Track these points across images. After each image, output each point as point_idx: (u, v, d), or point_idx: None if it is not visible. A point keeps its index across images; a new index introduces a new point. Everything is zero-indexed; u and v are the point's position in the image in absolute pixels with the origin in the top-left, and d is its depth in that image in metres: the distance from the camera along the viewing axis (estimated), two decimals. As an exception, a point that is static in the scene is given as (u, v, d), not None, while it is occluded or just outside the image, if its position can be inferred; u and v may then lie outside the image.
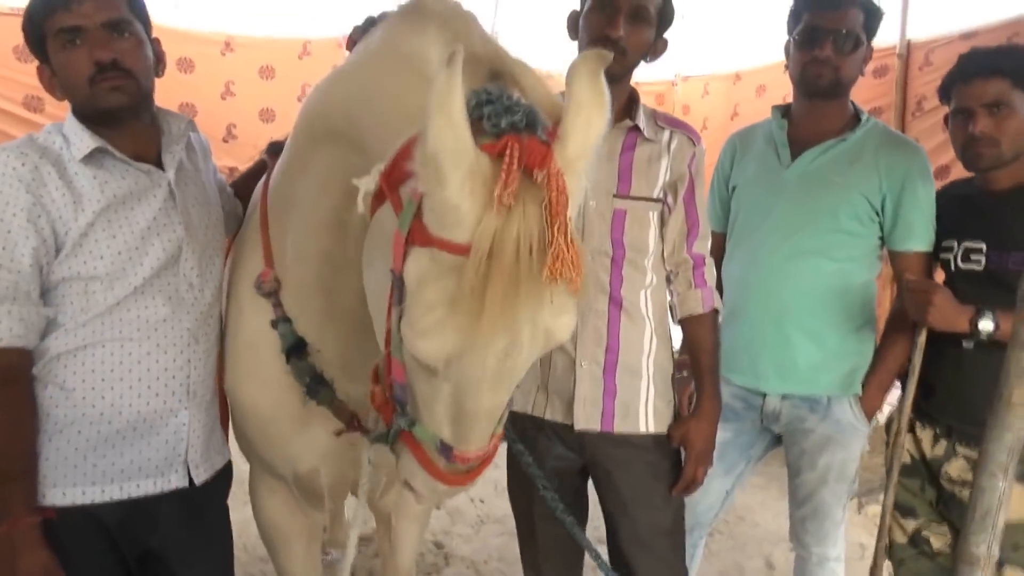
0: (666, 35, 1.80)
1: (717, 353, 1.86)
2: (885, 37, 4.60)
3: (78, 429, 1.46)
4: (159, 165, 1.55)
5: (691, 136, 1.81)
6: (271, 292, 1.54)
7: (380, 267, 1.10)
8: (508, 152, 0.93)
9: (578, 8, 1.79)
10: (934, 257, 2.04)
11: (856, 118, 2.11)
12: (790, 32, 2.10)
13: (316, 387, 1.53)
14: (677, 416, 1.89)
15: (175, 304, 1.52)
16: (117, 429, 1.47)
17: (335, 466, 1.66)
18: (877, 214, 2.05)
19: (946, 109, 2.00)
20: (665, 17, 1.75)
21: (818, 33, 2.00)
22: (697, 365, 1.86)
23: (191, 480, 1.56)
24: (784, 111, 2.20)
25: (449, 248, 0.96)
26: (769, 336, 2.06)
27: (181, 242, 1.53)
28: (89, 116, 1.49)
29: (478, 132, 0.95)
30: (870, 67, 2.14)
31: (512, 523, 3.50)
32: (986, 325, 1.77)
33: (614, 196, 1.74)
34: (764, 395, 2.13)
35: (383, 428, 1.22)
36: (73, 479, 1.46)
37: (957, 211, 2.01)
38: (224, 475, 1.70)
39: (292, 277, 1.51)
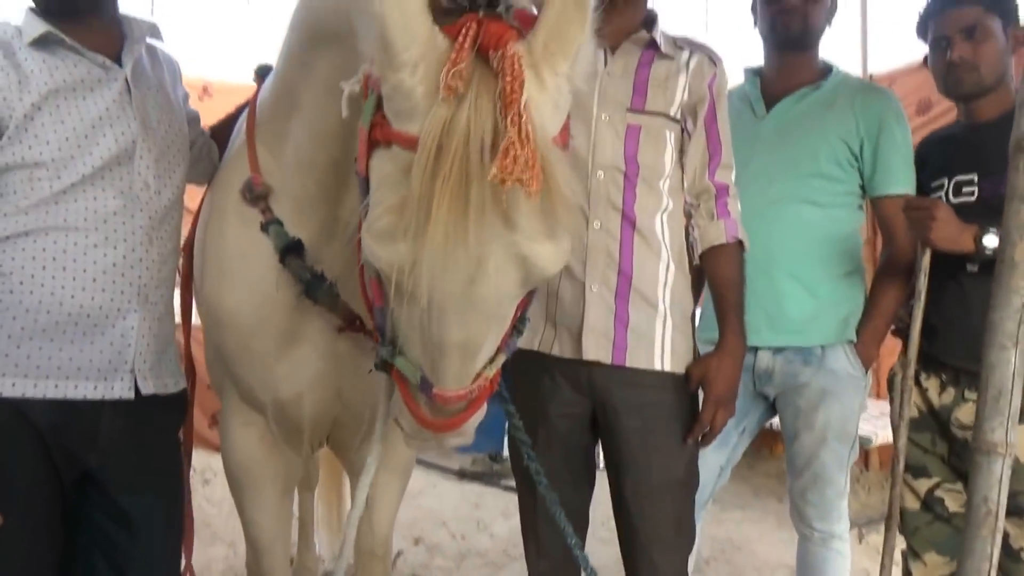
0: None
1: (742, 287, 1.69)
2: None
3: (13, 315, 1.33)
4: (119, 63, 1.49)
5: (712, 56, 1.70)
6: (261, 196, 1.45)
7: None
8: (463, 30, 0.87)
9: None
10: None
11: (828, 69, 2.11)
12: (755, -13, 2.13)
13: (316, 284, 1.40)
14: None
15: (128, 199, 1.42)
16: (56, 321, 1.35)
17: (319, 393, 1.53)
18: (856, 159, 2.00)
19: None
20: None
21: None
22: (720, 299, 1.69)
23: (138, 393, 1.42)
24: (756, 71, 2.20)
25: (403, 141, 0.89)
26: (759, 286, 1.94)
27: (136, 138, 1.45)
28: (48, 9, 1.44)
29: (437, 12, 0.88)
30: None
31: (495, 555, 3.33)
32: (991, 240, 1.67)
33: (628, 111, 1.64)
34: (756, 351, 2.01)
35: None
36: (2, 368, 1.32)
37: (944, 151, 1.97)
38: (177, 406, 1.57)
39: (292, 186, 1.42)
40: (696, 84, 1.67)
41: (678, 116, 1.67)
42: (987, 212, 1.79)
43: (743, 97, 2.17)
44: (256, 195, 1.45)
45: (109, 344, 1.40)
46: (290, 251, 1.40)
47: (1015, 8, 1.87)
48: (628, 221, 1.64)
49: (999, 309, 1.29)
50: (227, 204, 1.51)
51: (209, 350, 1.60)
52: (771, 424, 3.34)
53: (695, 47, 1.71)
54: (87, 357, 1.38)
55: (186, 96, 1.72)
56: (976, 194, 1.85)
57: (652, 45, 1.68)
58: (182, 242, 1.63)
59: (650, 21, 1.72)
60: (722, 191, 1.70)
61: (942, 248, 1.74)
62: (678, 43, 1.71)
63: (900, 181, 1.98)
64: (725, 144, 1.71)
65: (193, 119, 1.73)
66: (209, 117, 2.00)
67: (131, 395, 1.42)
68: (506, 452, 3.37)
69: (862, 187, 2.04)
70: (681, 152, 1.70)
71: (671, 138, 1.67)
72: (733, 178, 1.74)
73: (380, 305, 1.06)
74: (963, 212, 1.83)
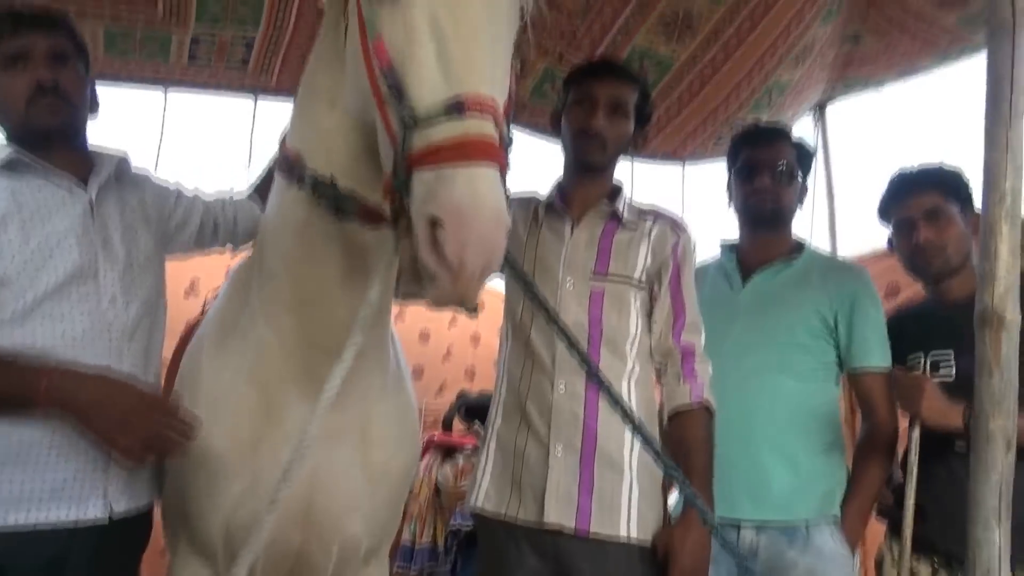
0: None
1: (710, 453, 1.66)
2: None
3: None
4: (85, 185, 1.54)
5: (675, 225, 1.81)
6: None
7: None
8: None
9: (559, 107, 1.87)
10: None
11: (800, 246, 2.20)
12: (729, 169, 2.25)
13: (339, 197, 1.30)
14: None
15: (95, 318, 1.44)
16: (30, 445, 1.33)
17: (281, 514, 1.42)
18: (831, 331, 2.03)
19: None
20: (643, 112, 1.83)
21: (756, 166, 2.12)
22: (686, 464, 1.63)
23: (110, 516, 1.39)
24: (732, 246, 2.28)
25: None
26: (739, 459, 1.92)
27: (97, 254, 1.48)
28: (22, 139, 1.51)
29: None
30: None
31: None
32: None
33: (591, 276, 1.72)
34: (739, 528, 1.94)
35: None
36: None
37: (918, 326, 2.02)
38: (143, 527, 1.53)
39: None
40: (659, 249, 1.75)
41: (642, 280, 1.73)
42: (966, 390, 1.80)
43: (720, 270, 2.23)
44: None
45: (82, 464, 1.37)
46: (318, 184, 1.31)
47: (971, 196, 1.98)
48: (592, 384, 1.64)
49: (980, 484, 1.28)
50: (211, 334, 1.53)
51: (168, 484, 1.55)
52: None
53: (659, 216, 1.80)
54: (61, 479, 1.35)
55: (167, 190, 1.75)
56: (953, 372, 1.87)
57: (616, 216, 1.77)
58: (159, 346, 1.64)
59: (615, 192, 1.81)
60: (688, 354, 1.73)
61: (931, 422, 1.75)
62: (643, 213, 1.80)
63: (877, 354, 2.00)
64: (690, 306, 1.75)
65: (193, 198, 1.78)
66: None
67: (105, 517, 1.38)
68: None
69: (838, 362, 2.06)
70: (648, 316, 1.75)
71: (636, 302, 1.72)
72: (702, 340, 1.76)
73: (390, 65, 1.06)
74: (942, 390, 1.85)
